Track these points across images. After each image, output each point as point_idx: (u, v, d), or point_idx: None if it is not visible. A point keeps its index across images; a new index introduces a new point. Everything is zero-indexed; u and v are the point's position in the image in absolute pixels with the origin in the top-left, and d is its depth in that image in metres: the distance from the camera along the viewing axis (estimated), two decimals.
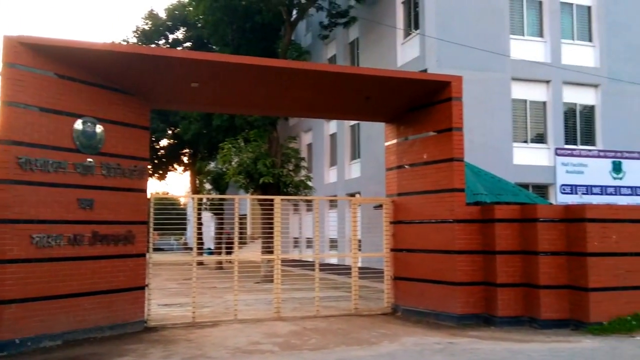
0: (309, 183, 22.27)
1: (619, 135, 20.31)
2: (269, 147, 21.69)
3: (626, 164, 20.30)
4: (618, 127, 20.33)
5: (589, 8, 20.58)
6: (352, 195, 22.88)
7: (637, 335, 9.37)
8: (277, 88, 11.21)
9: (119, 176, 9.93)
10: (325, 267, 22.03)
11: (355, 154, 24.27)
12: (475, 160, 14.86)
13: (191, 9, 26.51)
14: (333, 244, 24.13)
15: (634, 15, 20.66)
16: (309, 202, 23.83)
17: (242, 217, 35.02)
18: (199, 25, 27.63)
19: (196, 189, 34.36)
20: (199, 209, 28.13)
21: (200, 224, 24.60)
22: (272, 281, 12.17)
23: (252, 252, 27.47)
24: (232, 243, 12.31)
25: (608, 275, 9.97)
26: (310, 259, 12.70)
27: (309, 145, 29.33)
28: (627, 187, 20.28)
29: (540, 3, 19.95)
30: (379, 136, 17.26)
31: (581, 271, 9.93)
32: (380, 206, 13.70)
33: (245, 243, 30.62)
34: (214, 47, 26.98)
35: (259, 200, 14.98)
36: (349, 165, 24.75)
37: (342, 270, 19.14)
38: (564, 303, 10.11)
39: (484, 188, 12.77)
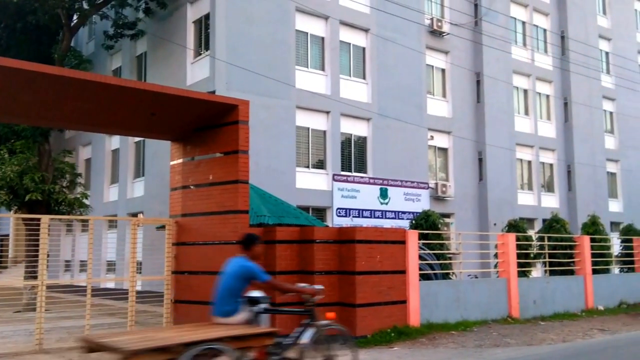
0: (85, 201, 20.64)
1: (386, 165, 22.73)
2: (39, 160, 19.61)
3: (391, 191, 22.77)
4: (385, 157, 22.76)
5: (363, 49, 22.83)
6: (135, 215, 21.80)
7: (396, 346, 10.45)
8: (50, 97, 10.22)
9: None
10: (102, 292, 20.50)
11: (139, 172, 23.22)
12: (260, 183, 15.32)
13: None
14: (111, 267, 22.63)
15: (400, 58, 23.47)
16: (84, 222, 22.04)
17: (3, 238, 30.96)
18: None
19: None
20: None
21: None
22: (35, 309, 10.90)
23: (13, 277, 24.36)
24: None
25: (372, 292, 10.98)
26: (83, 284, 11.70)
27: (88, 161, 27.24)
28: (392, 211, 22.74)
29: (323, 39, 21.56)
30: (165, 154, 16.78)
31: (350, 289, 10.78)
32: (163, 227, 13.25)
33: (5, 267, 27.08)
34: None
35: (24, 219, 13.41)
36: (132, 184, 23.57)
37: (121, 294, 18.02)
38: (335, 319, 10.82)
39: (268, 210, 13.20)
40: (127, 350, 4.98)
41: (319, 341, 6.69)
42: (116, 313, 16.35)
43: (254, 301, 6.48)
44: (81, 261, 25.11)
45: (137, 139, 22.94)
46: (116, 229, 23.48)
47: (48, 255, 10.75)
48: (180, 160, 12.47)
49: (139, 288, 11.98)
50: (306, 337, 6.57)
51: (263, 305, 6.54)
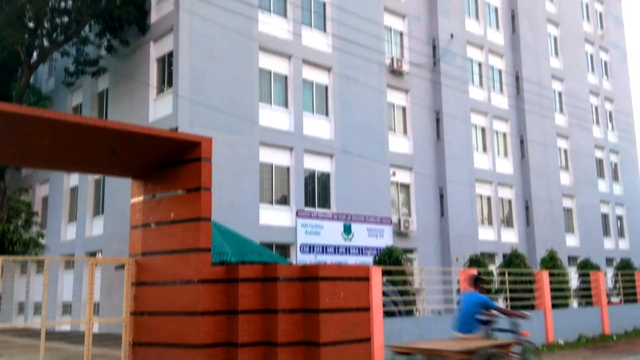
0: (41, 241, 20.03)
1: (349, 201, 22.87)
2: None
3: (354, 227, 22.85)
4: (348, 193, 22.91)
5: (326, 87, 23.21)
6: (93, 254, 21.23)
7: None
8: (7, 134, 10.00)
9: None
10: (58, 335, 19.71)
11: (98, 210, 22.72)
12: (223, 220, 15.16)
13: None
14: (67, 308, 21.85)
15: (362, 96, 23.91)
16: (39, 262, 21.33)
17: None
18: None
19: None
20: None
21: None
22: None
23: None
24: None
25: (336, 330, 10.87)
26: (38, 327, 11.26)
27: (45, 199, 26.54)
28: (356, 247, 22.78)
29: (286, 77, 21.84)
30: (125, 192, 16.50)
31: (314, 327, 10.65)
32: (122, 266, 12.93)
33: None
34: None
35: None
36: (91, 222, 23.01)
37: (79, 338, 17.38)
38: (299, 359, 10.67)
39: (230, 248, 13.03)
40: (453, 352, 7.43)
41: (523, 352, 9.01)
42: (72, 357, 15.72)
43: (487, 322, 8.97)
44: (36, 303, 24.19)
45: (96, 176, 22.54)
46: (73, 269, 22.78)
47: (0, 298, 10.35)
48: (141, 198, 12.27)
49: (96, 330, 11.58)
50: (516, 349, 8.92)
51: (495, 325, 9.03)
